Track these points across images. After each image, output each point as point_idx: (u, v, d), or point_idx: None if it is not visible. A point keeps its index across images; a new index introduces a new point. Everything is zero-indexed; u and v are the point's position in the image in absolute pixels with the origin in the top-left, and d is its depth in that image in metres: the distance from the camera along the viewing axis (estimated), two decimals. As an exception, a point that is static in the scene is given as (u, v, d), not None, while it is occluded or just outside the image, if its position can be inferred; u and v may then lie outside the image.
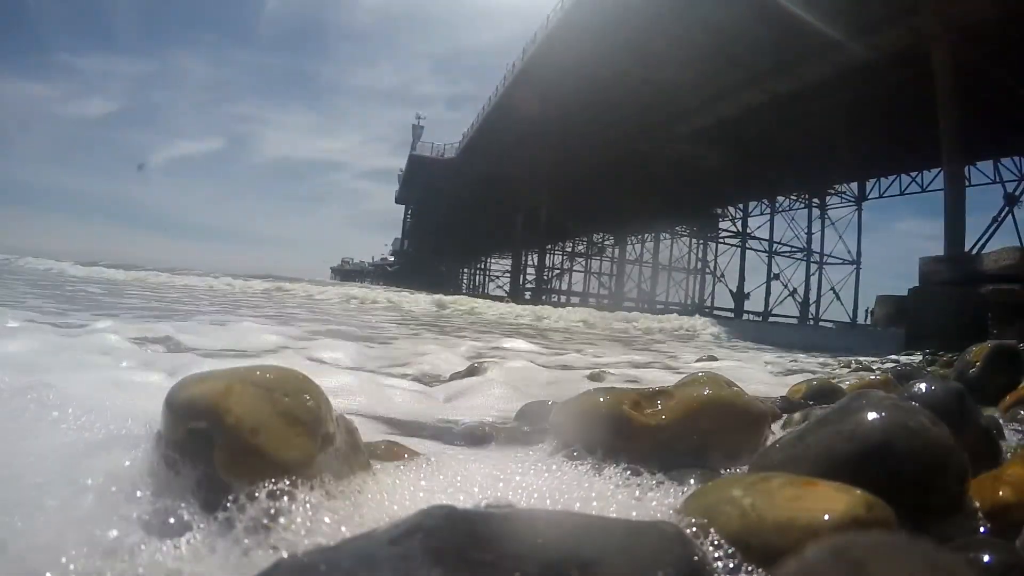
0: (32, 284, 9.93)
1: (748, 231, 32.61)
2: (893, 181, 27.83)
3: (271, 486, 0.72)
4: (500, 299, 23.74)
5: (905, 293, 14.26)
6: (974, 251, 13.74)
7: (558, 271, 44.54)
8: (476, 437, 1.35)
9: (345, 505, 0.76)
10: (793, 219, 31.76)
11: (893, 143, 22.96)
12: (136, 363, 2.36)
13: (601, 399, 1.08)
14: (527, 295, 29.05)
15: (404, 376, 2.72)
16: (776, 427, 1.48)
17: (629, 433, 1.03)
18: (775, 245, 31.75)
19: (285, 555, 0.62)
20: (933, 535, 0.45)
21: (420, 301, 14.89)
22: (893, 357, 6.97)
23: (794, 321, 29.73)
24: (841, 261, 30.56)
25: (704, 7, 15.99)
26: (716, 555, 0.63)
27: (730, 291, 32.18)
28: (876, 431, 0.78)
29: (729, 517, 0.65)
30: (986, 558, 0.67)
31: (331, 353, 3.37)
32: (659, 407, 1.07)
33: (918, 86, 15.34)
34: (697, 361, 5.25)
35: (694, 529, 0.66)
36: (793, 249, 31.70)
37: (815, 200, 30.99)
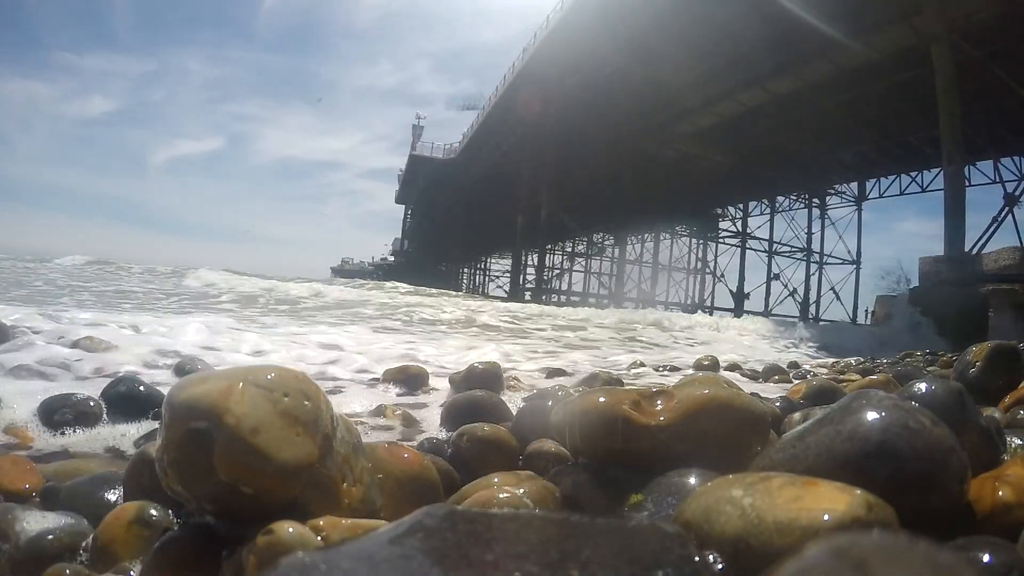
0: None
1: (748, 231, 32.63)
2: (893, 181, 27.83)
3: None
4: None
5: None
6: (974, 251, 13.75)
7: (558, 271, 44.55)
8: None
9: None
10: (793, 219, 31.77)
11: (893, 143, 22.97)
12: None
13: (601, 399, 1.08)
14: (527, 295, 29.02)
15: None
16: (776, 427, 1.48)
17: (629, 433, 1.03)
18: (775, 245, 31.76)
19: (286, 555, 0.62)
20: (933, 535, 0.45)
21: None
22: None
23: (795, 321, 29.75)
24: (841, 261, 30.57)
25: (704, 7, 15.98)
26: (716, 555, 0.63)
27: (730, 291, 32.20)
28: (876, 431, 0.78)
29: (729, 517, 0.65)
30: (986, 558, 0.67)
31: None
32: (659, 407, 1.06)
33: (918, 86, 15.35)
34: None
35: (694, 529, 0.66)
36: (793, 249, 31.71)
37: (815, 200, 30.99)
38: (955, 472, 0.77)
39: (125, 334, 3.62)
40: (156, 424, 1.61)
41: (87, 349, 2.71)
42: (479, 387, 2.06)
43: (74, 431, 1.59)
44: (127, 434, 1.61)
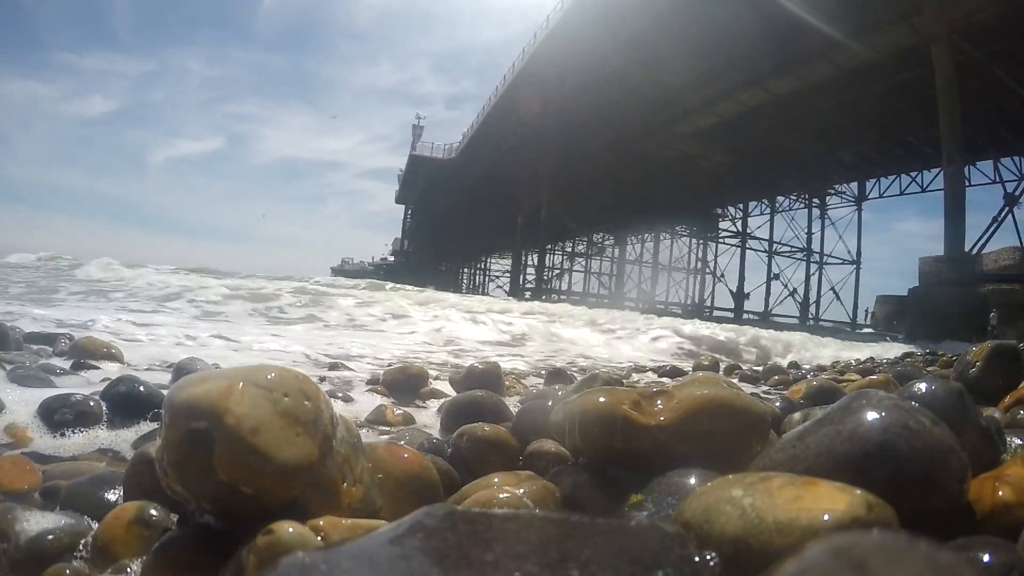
0: None
1: (748, 231, 32.67)
2: (893, 181, 27.91)
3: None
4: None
5: (905, 293, 14.30)
6: (974, 251, 13.77)
7: (558, 271, 44.58)
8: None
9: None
10: (793, 219, 31.86)
11: (893, 143, 23.01)
12: None
13: (601, 399, 1.08)
14: (527, 295, 29.02)
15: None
16: (776, 427, 1.48)
17: (629, 433, 1.03)
18: (775, 245, 31.82)
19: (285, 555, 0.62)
20: (933, 535, 0.45)
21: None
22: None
23: (795, 321, 29.76)
24: (841, 261, 30.65)
25: (704, 7, 16.00)
26: (716, 555, 0.63)
27: (730, 291, 32.28)
28: (876, 431, 0.78)
29: (729, 517, 0.65)
30: (986, 558, 0.67)
31: None
32: (659, 407, 1.06)
33: (918, 86, 15.37)
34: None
35: (694, 529, 0.66)
36: (793, 249, 31.77)
37: (815, 200, 31.03)
38: (955, 472, 0.77)
39: (123, 334, 3.63)
40: (156, 424, 1.62)
41: (87, 349, 2.71)
42: (479, 387, 2.06)
43: (74, 431, 1.59)
44: (127, 435, 1.61)
